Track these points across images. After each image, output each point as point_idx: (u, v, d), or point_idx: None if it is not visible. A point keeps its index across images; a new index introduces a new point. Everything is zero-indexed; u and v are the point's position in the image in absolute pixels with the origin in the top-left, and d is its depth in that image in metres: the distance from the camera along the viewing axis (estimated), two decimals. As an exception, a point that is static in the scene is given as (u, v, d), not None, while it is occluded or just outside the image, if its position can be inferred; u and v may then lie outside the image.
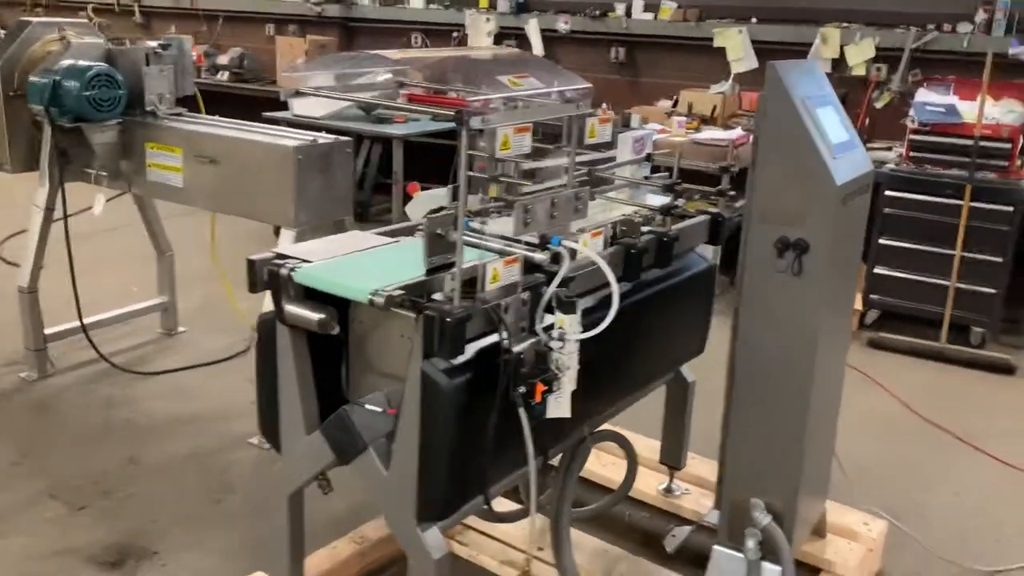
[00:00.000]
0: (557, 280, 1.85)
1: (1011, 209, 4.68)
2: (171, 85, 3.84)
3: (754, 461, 2.30)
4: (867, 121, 5.92)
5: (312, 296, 1.91)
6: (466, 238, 1.81)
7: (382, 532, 2.70)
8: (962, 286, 4.75)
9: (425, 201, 2.50)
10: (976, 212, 4.69)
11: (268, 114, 6.11)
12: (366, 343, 1.98)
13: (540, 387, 1.75)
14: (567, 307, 1.81)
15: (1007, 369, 4.60)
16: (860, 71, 5.93)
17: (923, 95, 5.16)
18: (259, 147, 3.40)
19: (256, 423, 3.46)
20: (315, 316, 1.87)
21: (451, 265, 1.77)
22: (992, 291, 4.76)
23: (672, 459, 3.01)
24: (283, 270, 1.89)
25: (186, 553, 2.80)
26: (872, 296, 5.06)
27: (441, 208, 2.44)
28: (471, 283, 1.78)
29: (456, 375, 1.75)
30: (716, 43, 6.33)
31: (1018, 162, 4.86)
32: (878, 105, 5.93)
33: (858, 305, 5.04)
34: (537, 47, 7.07)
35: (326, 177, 3.43)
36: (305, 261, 1.93)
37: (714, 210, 2.64)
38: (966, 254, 4.72)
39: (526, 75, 2.60)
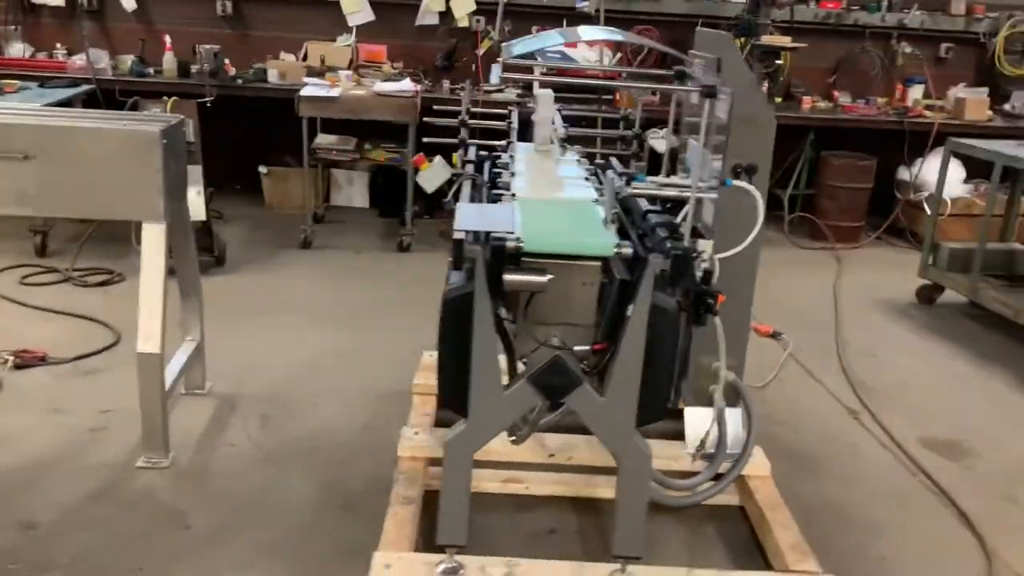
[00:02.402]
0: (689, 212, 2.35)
1: (629, 132, 6.03)
2: None
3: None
4: (474, 67, 6.84)
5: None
6: (646, 191, 2.21)
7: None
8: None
9: (436, 173, 2.68)
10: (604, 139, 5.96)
11: None
12: (541, 297, 2.22)
13: (721, 297, 2.27)
14: (708, 234, 2.34)
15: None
16: (464, 23, 6.77)
17: (541, 44, 6.22)
18: (105, 135, 2.96)
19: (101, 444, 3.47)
20: (542, 279, 2.09)
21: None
22: (621, 197, 6.14)
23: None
24: (508, 242, 2.05)
25: (218, 581, 2.59)
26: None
27: (458, 176, 2.68)
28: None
29: (673, 301, 2.17)
30: (331, -4, 6.59)
31: (618, 95, 6.24)
32: (479, 52, 6.86)
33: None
34: (128, 2, 6.46)
35: (178, 163, 3.15)
36: (508, 232, 2.10)
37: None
38: (605, 170, 6.00)
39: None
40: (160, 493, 3.01)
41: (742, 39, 6.81)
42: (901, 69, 7.22)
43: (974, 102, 6.81)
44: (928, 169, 6.75)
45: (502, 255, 2.05)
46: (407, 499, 2.80)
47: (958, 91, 7.12)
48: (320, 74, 6.13)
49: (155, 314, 3.04)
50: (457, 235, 2.09)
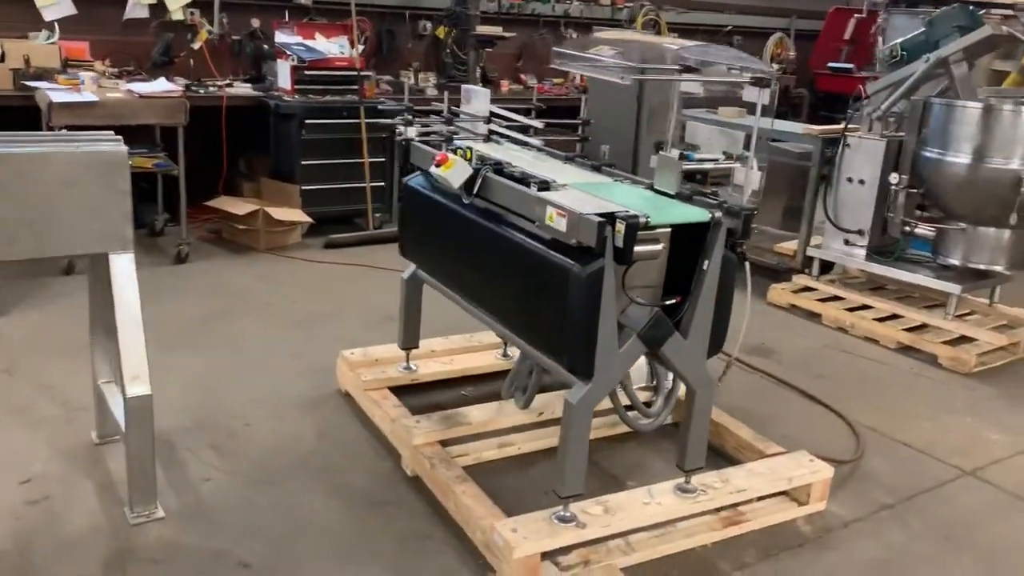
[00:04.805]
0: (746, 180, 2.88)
1: (388, 120, 6.25)
2: None
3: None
4: (192, 62, 6.47)
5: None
6: (696, 166, 2.69)
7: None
8: (359, 184, 6.21)
9: (460, 169, 2.87)
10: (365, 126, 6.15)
11: None
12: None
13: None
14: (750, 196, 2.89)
15: (416, 235, 6.35)
16: (179, 16, 6.36)
17: (281, 37, 6.16)
18: (65, 159, 2.59)
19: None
20: (659, 247, 2.48)
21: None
22: (384, 183, 6.37)
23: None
24: (640, 219, 2.40)
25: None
26: (307, 209, 6.04)
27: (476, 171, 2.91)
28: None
29: (732, 253, 2.69)
30: (18, -11, 5.77)
31: (366, 84, 6.41)
32: (195, 46, 6.49)
33: (298, 218, 5.97)
34: None
35: (126, 184, 2.86)
36: (630, 211, 2.44)
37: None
38: (374, 160, 6.19)
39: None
40: (184, 541, 2.78)
41: (452, 29, 7.36)
42: (570, 52, 8.34)
43: (634, 78, 8.16)
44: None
45: (635, 231, 2.40)
46: (461, 478, 2.97)
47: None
48: (35, 77, 5.38)
49: (139, 352, 2.76)
50: (592, 219, 2.39)
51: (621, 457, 3.48)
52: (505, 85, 7.80)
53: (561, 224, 2.50)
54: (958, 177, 4.84)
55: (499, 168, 2.92)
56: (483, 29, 7.17)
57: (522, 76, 8.08)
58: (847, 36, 9.87)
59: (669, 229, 2.61)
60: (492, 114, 3.48)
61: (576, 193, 2.70)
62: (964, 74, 5.07)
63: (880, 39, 7.16)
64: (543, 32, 8.17)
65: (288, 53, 6.05)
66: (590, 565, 2.68)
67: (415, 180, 3.41)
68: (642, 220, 2.41)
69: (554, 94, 7.81)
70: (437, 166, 2.87)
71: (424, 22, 7.48)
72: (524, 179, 2.79)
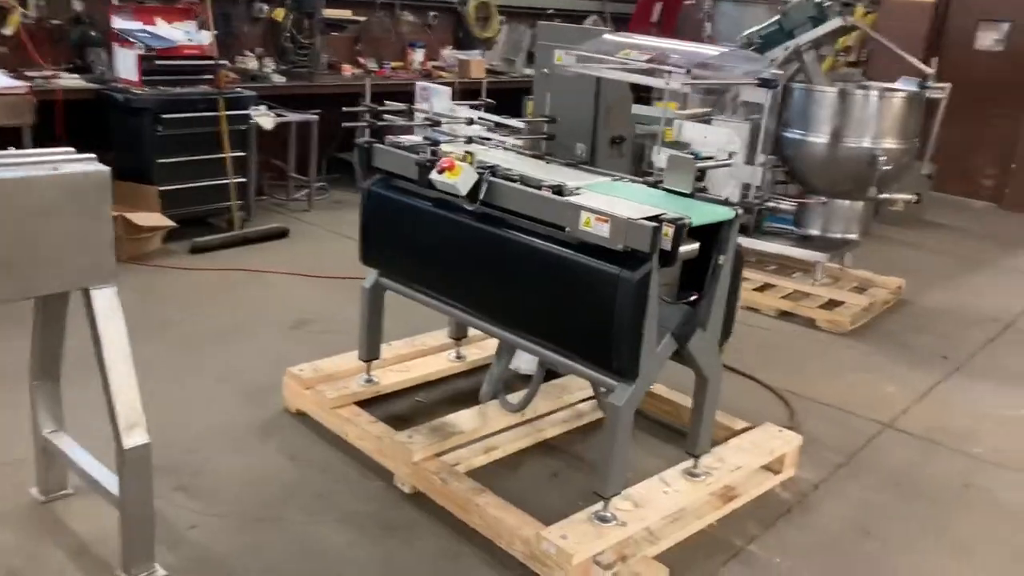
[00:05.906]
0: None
1: (246, 112, 5.85)
2: None
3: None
4: (6, 50, 5.69)
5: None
6: (704, 164, 2.78)
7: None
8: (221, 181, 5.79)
9: (467, 175, 2.79)
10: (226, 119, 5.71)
11: None
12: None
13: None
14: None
15: (284, 233, 6.01)
16: (-13, -3, 5.55)
17: (120, 23, 5.57)
18: (44, 183, 2.22)
19: None
20: (695, 246, 2.55)
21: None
22: (245, 179, 5.97)
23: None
24: (684, 220, 2.44)
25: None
26: (166, 211, 5.51)
27: (480, 176, 2.86)
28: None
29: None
30: None
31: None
32: (7, 32, 5.70)
33: (161, 223, 5.46)
34: None
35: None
36: (666, 213, 2.48)
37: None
38: (234, 154, 5.76)
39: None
40: (202, 599, 2.52)
41: (291, 12, 6.98)
42: (406, 35, 8.19)
43: (475, 63, 8.15)
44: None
45: (682, 233, 2.45)
46: (477, 489, 2.91)
47: (447, 53, 8.41)
48: None
49: (132, 396, 2.46)
50: (645, 224, 2.41)
51: (592, 451, 3.54)
52: (348, 69, 7.53)
53: (602, 229, 2.50)
54: (819, 155, 5.32)
55: (494, 171, 2.86)
56: (331, 12, 6.86)
57: (361, 60, 7.82)
58: (654, 19, 10.43)
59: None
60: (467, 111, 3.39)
61: (598, 196, 2.70)
62: (813, 60, 5.57)
63: (708, 24, 7.69)
64: (380, 14, 7.95)
65: (132, 41, 5.46)
66: (628, 560, 2.73)
67: (379, 184, 3.24)
68: (686, 222, 2.47)
69: (403, 79, 7.63)
70: (440, 172, 2.76)
71: (260, 4, 7.03)
72: (535, 183, 2.76)
